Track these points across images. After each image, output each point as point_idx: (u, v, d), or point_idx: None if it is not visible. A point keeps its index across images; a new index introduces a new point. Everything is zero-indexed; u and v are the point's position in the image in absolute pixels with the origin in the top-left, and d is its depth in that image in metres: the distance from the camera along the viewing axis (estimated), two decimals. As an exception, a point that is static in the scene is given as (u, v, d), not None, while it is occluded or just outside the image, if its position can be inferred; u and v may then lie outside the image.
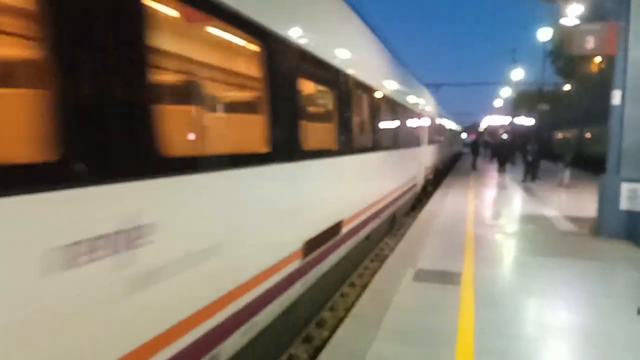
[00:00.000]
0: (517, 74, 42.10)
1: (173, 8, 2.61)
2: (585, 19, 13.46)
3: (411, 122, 11.88)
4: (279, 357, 4.65)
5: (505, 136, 41.12)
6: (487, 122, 77.69)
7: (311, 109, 4.90)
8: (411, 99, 11.98)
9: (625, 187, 8.24)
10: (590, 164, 22.16)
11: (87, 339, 1.92)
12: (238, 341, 3.30)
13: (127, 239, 2.07)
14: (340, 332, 4.37)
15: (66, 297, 1.79)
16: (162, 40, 2.44)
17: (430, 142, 16.60)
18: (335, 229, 5.30)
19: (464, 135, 69.11)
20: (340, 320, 5.41)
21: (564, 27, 14.57)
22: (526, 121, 45.57)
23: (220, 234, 2.89)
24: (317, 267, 4.89)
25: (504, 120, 59.61)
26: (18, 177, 1.62)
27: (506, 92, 52.07)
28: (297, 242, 4.19)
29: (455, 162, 33.65)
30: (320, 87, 5.21)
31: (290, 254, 4.02)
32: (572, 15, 13.80)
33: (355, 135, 6.07)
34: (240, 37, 3.28)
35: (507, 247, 8.05)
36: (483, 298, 5.22)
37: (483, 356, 3.88)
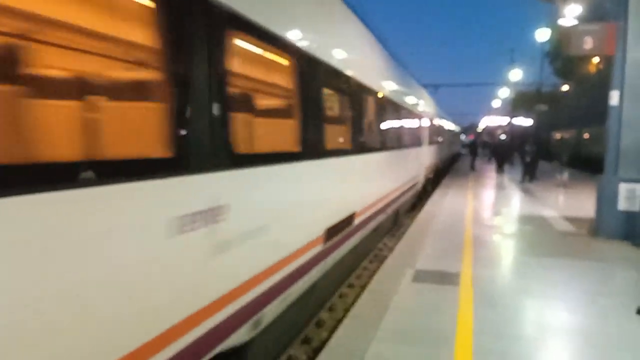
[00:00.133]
0: (516, 74, 42.16)
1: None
2: (584, 19, 13.46)
3: (413, 124, 12.44)
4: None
5: (503, 137, 41.16)
6: (485, 122, 77.78)
7: (332, 114, 5.52)
8: (414, 103, 12.59)
9: (623, 188, 8.26)
10: (588, 164, 22.21)
11: (191, 279, 2.58)
12: (275, 309, 3.84)
13: (213, 214, 2.68)
14: (339, 332, 4.37)
15: (178, 250, 2.42)
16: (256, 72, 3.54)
17: (431, 143, 16.93)
18: (350, 219, 5.82)
19: (462, 136, 69.07)
20: (339, 321, 5.40)
21: (562, 27, 14.56)
22: (524, 122, 45.64)
23: (268, 217, 3.49)
24: (334, 253, 5.42)
25: (502, 120, 59.69)
26: (153, 167, 2.29)
27: (504, 92, 52.16)
28: (320, 228, 4.73)
29: (453, 163, 33.67)
30: (341, 97, 5.87)
31: (315, 238, 4.58)
32: (570, 15, 13.79)
33: (366, 137, 6.70)
34: (290, 63, 4.03)
35: (505, 247, 8.06)
36: (482, 298, 5.22)
37: (482, 356, 3.87)
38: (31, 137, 2.04)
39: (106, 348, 2.01)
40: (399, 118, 9.89)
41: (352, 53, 6.32)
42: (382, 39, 8.76)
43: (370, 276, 7.25)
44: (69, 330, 1.83)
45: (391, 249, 8.39)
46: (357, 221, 6.20)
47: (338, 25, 5.72)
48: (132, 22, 2.57)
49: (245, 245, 3.09)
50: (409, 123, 11.52)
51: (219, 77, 2.79)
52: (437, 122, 20.67)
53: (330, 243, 5.04)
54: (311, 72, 4.38)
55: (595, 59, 30.22)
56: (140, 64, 2.66)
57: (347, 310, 5.21)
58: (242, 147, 3.10)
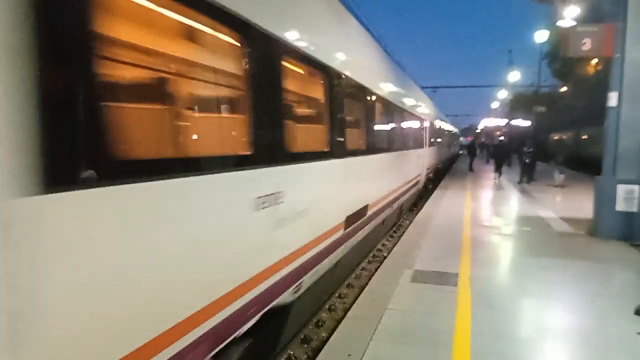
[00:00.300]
0: (514, 75, 42.17)
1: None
2: (583, 21, 13.47)
3: (416, 128, 13.27)
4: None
5: (502, 138, 41.19)
6: (484, 124, 77.83)
7: (353, 121, 6.41)
8: (417, 107, 13.35)
9: (621, 189, 8.27)
10: (586, 165, 22.23)
11: (265, 245, 3.46)
12: (309, 279, 4.70)
13: (275, 197, 3.52)
14: (338, 333, 4.38)
15: (257, 222, 3.29)
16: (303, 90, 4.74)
17: (431, 144, 17.31)
18: (364, 210, 6.54)
19: (461, 138, 69.01)
20: (339, 321, 5.40)
21: (560, 28, 14.58)
22: (523, 123, 45.66)
23: (307, 202, 4.25)
24: (351, 239, 6.15)
25: (500, 122, 59.73)
26: (243, 161, 3.15)
27: (503, 94, 52.19)
28: (342, 215, 5.46)
29: (452, 164, 33.71)
30: (360, 106, 6.66)
31: (338, 223, 5.30)
32: (569, 17, 13.80)
33: (377, 139, 7.63)
34: (323, 81, 4.93)
35: (503, 248, 8.07)
36: (480, 299, 5.23)
37: (480, 357, 3.88)
38: (187, 139, 2.97)
39: (219, 284, 2.89)
40: (404, 122, 10.71)
41: (370, 68, 7.45)
42: (384, 45, 9.04)
43: (369, 277, 7.26)
44: (203, 266, 2.70)
45: (390, 250, 8.39)
46: (369, 212, 6.97)
47: (355, 43, 6.57)
48: (231, 63, 3.32)
49: (294, 223, 3.91)
50: (412, 127, 12.32)
51: (278, 96, 3.68)
52: (437, 124, 20.88)
53: (348, 230, 5.77)
54: (339, 87, 5.30)
55: (594, 61, 30.27)
56: (236, 89, 3.44)
57: (346, 311, 5.22)
58: (292, 147, 3.92)
